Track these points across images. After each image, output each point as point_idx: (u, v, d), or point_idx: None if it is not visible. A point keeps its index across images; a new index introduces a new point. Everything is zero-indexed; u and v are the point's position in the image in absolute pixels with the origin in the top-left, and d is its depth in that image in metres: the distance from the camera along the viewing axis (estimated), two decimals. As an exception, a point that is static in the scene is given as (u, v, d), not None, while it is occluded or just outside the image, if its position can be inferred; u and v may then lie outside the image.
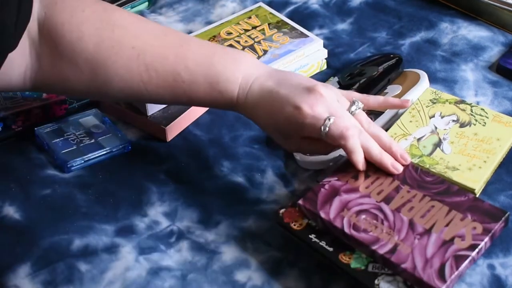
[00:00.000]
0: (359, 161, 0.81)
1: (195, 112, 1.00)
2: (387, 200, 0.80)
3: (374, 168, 0.83)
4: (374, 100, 0.89)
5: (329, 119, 0.80)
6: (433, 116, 0.93)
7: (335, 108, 0.81)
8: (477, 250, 0.75)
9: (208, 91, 0.84)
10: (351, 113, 0.83)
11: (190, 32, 1.13)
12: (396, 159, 0.83)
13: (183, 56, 0.84)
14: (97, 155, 0.95)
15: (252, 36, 1.08)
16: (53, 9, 0.82)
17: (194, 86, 0.84)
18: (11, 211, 0.88)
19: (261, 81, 0.84)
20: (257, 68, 0.86)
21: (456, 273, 0.73)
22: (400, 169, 0.83)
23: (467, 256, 0.74)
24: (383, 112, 0.95)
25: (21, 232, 0.86)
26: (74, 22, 0.82)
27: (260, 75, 0.85)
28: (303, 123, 0.81)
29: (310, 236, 0.79)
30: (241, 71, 0.85)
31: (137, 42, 0.83)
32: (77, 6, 0.83)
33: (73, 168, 0.93)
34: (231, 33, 1.09)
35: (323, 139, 0.81)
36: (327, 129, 0.80)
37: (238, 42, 1.07)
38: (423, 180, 0.82)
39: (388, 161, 0.82)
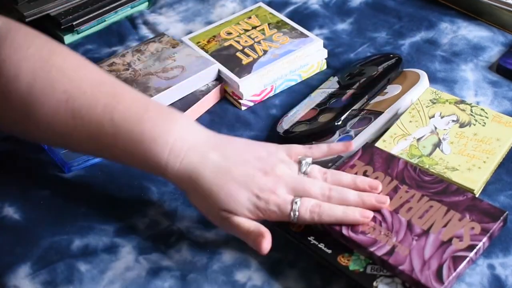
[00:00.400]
0: (355, 217, 0.77)
1: (195, 112, 1.00)
2: (386, 200, 0.80)
3: (372, 168, 0.83)
4: (318, 151, 0.82)
5: (296, 203, 0.76)
6: (433, 116, 0.93)
7: (295, 185, 0.77)
8: (475, 250, 0.75)
9: (129, 150, 0.78)
10: (304, 174, 0.79)
11: (190, 32, 1.13)
12: (366, 190, 0.79)
13: (111, 107, 0.78)
14: (97, 155, 0.95)
15: (252, 36, 1.08)
16: (1, 43, 0.79)
17: (117, 141, 0.78)
18: (11, 211, 0.88)
19: (202, 150, 0.77)
20: (194, 132, 0.79)
21: (454, 274, 0.73)
22: (369, 215, 0.78)
23: (465, 257, 0.74)
24: (383, 112, 0.95)
25: (21, 232, 0.86)
26: (15, 59, 0.79)
27: (198, 141, 0.78)
28: (267, 210, 0.77)
29: (309, 238, 0.79)
30: (174, 134, 0.77)
31: (70, 86, 0.78)
32: (24, 43, 0.80)
33: (73, 168, 0.93)
34: (231, 33, 1.09)
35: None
36: (296, 213, 0.76)
37: (238, 42, 1.07)
38: (422, 180, 0.82)
39: (355, 216, 0.77)
